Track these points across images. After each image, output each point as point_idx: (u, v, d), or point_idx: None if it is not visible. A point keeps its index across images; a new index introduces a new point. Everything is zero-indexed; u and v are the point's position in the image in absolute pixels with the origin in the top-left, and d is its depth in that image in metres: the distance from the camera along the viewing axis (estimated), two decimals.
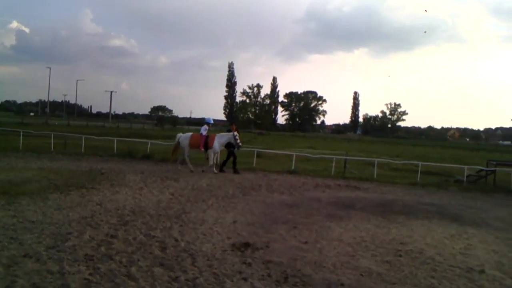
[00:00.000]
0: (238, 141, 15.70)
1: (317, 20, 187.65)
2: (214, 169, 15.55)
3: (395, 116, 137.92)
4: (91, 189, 10.52)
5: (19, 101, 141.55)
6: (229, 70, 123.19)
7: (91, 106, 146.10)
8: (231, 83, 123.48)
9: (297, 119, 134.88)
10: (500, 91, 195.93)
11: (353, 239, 7.33)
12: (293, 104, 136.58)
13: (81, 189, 10.48)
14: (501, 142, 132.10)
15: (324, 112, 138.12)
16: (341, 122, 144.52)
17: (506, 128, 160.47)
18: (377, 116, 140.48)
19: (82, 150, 19.42)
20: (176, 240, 6.63)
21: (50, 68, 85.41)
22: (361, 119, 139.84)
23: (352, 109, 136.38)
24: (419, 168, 17.14)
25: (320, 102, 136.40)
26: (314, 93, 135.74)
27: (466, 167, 17.27)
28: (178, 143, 15.97)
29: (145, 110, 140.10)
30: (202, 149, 15.57)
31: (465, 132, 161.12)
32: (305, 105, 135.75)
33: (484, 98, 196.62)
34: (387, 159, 22.44)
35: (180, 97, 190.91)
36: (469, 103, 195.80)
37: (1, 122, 40.99)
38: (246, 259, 5.87)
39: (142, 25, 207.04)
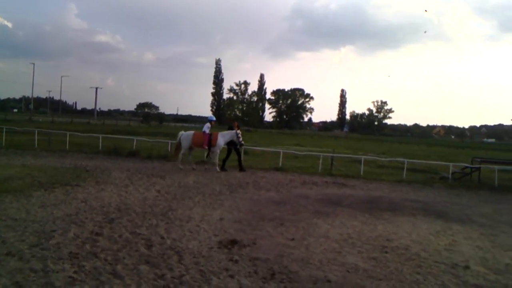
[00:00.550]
0: (241, 139, 15.64)
1: (303, 17, 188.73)
2: (217, 167, 15.44)
3: (382, 114, 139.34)
4: (75, 187, 10.38)
5: (2, 97, 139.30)
6: (216, 67, 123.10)
7: (76, 103, 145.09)
8: (218, 80, 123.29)
9: (285, 116, 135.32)
10: (484, 89, 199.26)
11: (339, 236, 7.36)
12: (281, 101, 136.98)
13: (65, 186, 10.33)
14: (485, 139, 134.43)
15: (311, 110, 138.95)
16: (328, 120, 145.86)
17: (490, 126, 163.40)
18: (363, 113, 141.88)
19: (67, 147, 19.17)
20: (162, 237, 6.58)
21: (34, 64, 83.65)
22: (348, 117, 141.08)
23: (339, 106, 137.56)
24: (405, 165, 17.29)
25: (307, 100, 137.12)
26: (302, 90, 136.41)
27: (451, 164, 17.48)
28: (180, 141, 15.80)
29: (131, 106, 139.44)
30: (206, 147, 15.44)
31: (450, 130, 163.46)
32: (292, 102, 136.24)
33: (469, 96, 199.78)
34: (374, 157, 22.63)
35: (166, 93, 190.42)
36: (454, 101, 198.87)
37: None
38: (233, 256, 5.85)
39: (128, 21, 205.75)
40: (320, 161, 17.59)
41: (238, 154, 15.98)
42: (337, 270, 5.57)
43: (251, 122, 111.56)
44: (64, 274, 4.87)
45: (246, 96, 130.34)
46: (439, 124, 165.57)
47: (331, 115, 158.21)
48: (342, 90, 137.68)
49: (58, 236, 6.26)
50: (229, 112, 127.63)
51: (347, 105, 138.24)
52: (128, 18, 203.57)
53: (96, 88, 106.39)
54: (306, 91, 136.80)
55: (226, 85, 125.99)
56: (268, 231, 7.40)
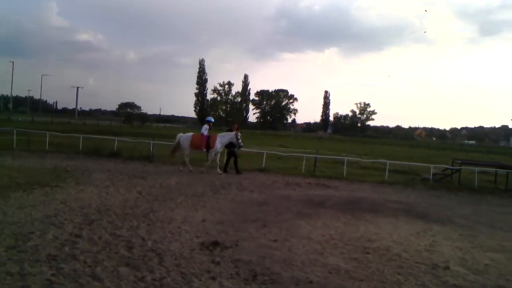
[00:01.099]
0: (240, 141, 15.55)
1: (288, 18, 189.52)
2: (218, 169, 15.31)
3: (365, 115, 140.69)
4: (55, 188, 10.20)
5: None
6: (199, 67, 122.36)
7: (56, 102, 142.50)
8: (201, 80, 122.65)
9: (268, 117, 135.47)
10: (465, 92, 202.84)
11: (322, 237, 7.38)
12: (265, 102, 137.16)
13: (44, 187, 10.14)
14: (466, 141, 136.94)
15: (295, 111, 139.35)
16: (312, 121, 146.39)
17: (471, 128, 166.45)
18: (347, 115, 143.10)
19: (47, 147, 18.85)
20: (143, 239, 6.50)
21: (13, 62, 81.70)
22: (331, 118, 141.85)
23: (323, 108, 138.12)
24: (387, 167, 17.45)
25: (291, 101, 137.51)
26: (285, 91, 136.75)
27: (432, 165, 17.69)
28: (179, 143, 15.61)
29: (112, 106, 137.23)
30: (204, 149, 15.26)
31: (431, 132, 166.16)
32: (276, 103, 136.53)
33: (450, 98, 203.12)
34: (356, 158, 22.79)
35: (149, 93, 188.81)
36: (436, 103, 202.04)
37: None
38: (215, 258, 5.81)
39: (110, 20, 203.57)
40: (304, 162, 17.64)
41: (235, 156, 15.89)
42: (319, 271, 5.58)
43: (234, 122, 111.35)
44: (42, 277, 4.77)
45: (230, 96, 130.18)
46: (421, 126, 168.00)
47: (315, 117, 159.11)
48: (326, 92, 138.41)
49: (36, 238, 6.14)
50: (212, 113, 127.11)
51: (330, 107, 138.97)
52: (111, 17, 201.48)
53: (77, 88, 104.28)
54: (290, 92, 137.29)
55: (209, 86, 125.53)
56: (251, 232, 7.38)
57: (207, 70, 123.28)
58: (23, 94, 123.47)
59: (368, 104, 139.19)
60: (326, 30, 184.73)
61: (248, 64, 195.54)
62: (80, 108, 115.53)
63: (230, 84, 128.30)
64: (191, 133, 16.09)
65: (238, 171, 15.62)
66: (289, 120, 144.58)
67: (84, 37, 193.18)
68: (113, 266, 5.27)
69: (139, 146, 20.22)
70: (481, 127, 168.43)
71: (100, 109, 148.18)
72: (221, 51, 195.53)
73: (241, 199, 10.74)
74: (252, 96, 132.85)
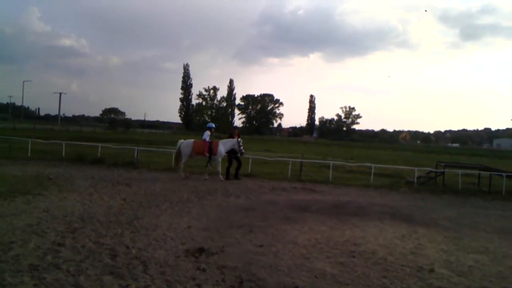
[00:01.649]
0: (242, 147, 15.48)
1: (272, 23, 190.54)
2: (221, 176, 15.20)
3: (350, 120, 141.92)
4: (37, 195, 10.01)
5: None
6: (184, 72, 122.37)
7: (39, 109, 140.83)
8: (186, 85, 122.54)
9: (254, 122, 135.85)
10: (448, 95, 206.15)
11: (308, 241, 7.37)
12: (250, 107, 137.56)
13: (26, 195, 9.95)
14: (450, 144, 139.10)
15: (280, 115, 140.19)
16: (298, 125, 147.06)
17: (454, 131, 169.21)
18: (332, 119, 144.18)
19: (29, 155, 18.51)
20: (127, 247, 6.40)
21: None
22: (317, 122, 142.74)
23: (309, 112, 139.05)
24: (372, 170, 17.58)
25: (277, 105, 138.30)
26: (271, 96, 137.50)
27: (416, 168, 17.86)
28: (179, 150, 15.47)
29: (96, 112, 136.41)
30: (207, 155, 15.13)
31: (416, 135, 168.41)
32: (262, 108, 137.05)
33: (434, 102, 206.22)
34: (342, 162, 22.90)
35: (133, 99, 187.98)
36: (420, 106, 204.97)
37: None
38: (200, 265, 5.75)
39: (93, 25, 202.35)
40: (290, 166, 17.66)
41: (239, 162, 15.82)
42: (305, 276, 5.56)
43: (220, 128, 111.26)
44: (23, 287, 4.66)
45: (215, 101, 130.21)
46: (405, 129, 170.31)
47: (301, 121, 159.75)
48: (311, 96, 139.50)
49: (18, 248, 6.00)
50: (198, 118, 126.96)
51: (316, 111, 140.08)
52: (93, 21, 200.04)
53: (60, 94, 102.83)
54: (276, 97, 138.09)
55: (195, 91, 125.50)
56: (237, 238, 7.33)
57: (192, 75, 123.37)
58: (4, 100, 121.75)
59: (353, 108, 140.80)
60: (310, 35, 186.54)
61: (233, 69, 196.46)
62: (63, 114, 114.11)
63: (215, 89, 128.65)
64: (192, 140, 15.94)
65: (237, 177, 15.55)
66: (275, 125, 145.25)
67: (66, 42, 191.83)
68: (96, 275, 5.18)
69: (123, 152, 20.03)
70: (464, 130, 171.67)
71: (83, 115, 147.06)
72: (206, 56, 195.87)
73: (227, 204, 10.68)
74: (237, 101, 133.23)
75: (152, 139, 46.95)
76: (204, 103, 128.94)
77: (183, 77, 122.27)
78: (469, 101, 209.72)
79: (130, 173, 15.78)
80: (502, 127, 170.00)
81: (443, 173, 17.29)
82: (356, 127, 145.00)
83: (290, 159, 18.98)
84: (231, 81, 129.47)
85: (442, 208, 12.09)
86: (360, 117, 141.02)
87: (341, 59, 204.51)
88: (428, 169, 18.79)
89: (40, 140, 21.91)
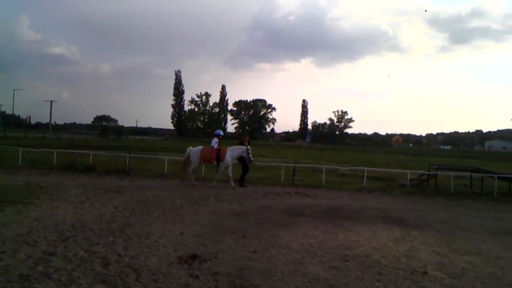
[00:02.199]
0: (251, 155, 15.40)
1: (263, 29, 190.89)
2: (232, 183, 15.09)
3: (343, 123, 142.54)
4: (28, 205, 9.90)
5: None
6: (176, 78, 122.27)
7: (29, 117, 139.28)
8: (178, 92, 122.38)
9: (247, 127, 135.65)
10: (439, 98, 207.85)
11: (301, 246, 7.36)
12: (243, 112, 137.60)
13: (17, 204, 9.82)
14: (442, 147, 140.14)
15: (273, 120, 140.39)
16: (291, 130, 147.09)
17: (446, 134, 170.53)
18: (325, 123, 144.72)
19: (19, 163, 18.32)
20: (120, 255, 6.35)
21: None
22: (310, 127, 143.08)
23: (301, 116, 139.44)
24: (365, 174, 17.61)
25: (269, 110, 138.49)
26: (263, 101, 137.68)
27: (408, 171, 17.94)
28: (188, 157, 15.37)
29: (88, 120, 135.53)
30: (215, 163, 15.06)
31: (408, 138, 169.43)
32: (254, 113, 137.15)
33: (425, 105, 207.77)
34: (335, 166, 22.92)
35: (125, 106, 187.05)
36: (412, 110, 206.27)
37: None
38: (193, 272, 5.71)
39: (83, 32, 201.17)
40: (283, 171, 17.64)
41: (246, 169, 15.69)
42: (299, 281, 5.55)
43: (213, 133, 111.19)
44: None
45: (208, 107, 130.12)
46: (398, 132, 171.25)
47: (294, 126, 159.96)
48: (304, 101, 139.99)
49: (8, 258, 5.92)
50: (190, 124, 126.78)
51: (309, 115, 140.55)
52: (84, 29, 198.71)
53: (51, 102, 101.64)
54: (268, 102, 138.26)
55: (187, 97, 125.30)
56: (230, 244, 7.30)
57: (183, 81, 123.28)
58: None
59: (346, 112, 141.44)
60: (302, 40, 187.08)
61: (225, 74, 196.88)
62: (54, 122, 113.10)
63: (207, 95, 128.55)
64: (200, 147, 15.89)
65: (242, 184, 15.42)
66: (268, 130, 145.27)
67: (57, 50, 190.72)
68: (88, 284, 5.13)
69: (114, 160, 19.90)
70: (456, 132, 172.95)
71: (75, 123, 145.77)
72: (197, 62, 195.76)
73: (220, 210, 10.64)
74: (230, 107, 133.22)
75: (144, 145, 46.77)
76: (196, 109, 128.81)
77: (175, 84, 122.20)
78: (460, 103, 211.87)
79: (122, 180, 15.67)
80: (493, 129, 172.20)
81: (435, 175, 17.37)
82: (348, 131, 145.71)
83: (283, 164, 18.97)
84: (223, 87, 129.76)
85: (435, 211, 12.14)
86: (353, 121, 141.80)
87: (332, 64, 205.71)
88: (421, 171, 18.88)
89: (32, 149, 21.70)
